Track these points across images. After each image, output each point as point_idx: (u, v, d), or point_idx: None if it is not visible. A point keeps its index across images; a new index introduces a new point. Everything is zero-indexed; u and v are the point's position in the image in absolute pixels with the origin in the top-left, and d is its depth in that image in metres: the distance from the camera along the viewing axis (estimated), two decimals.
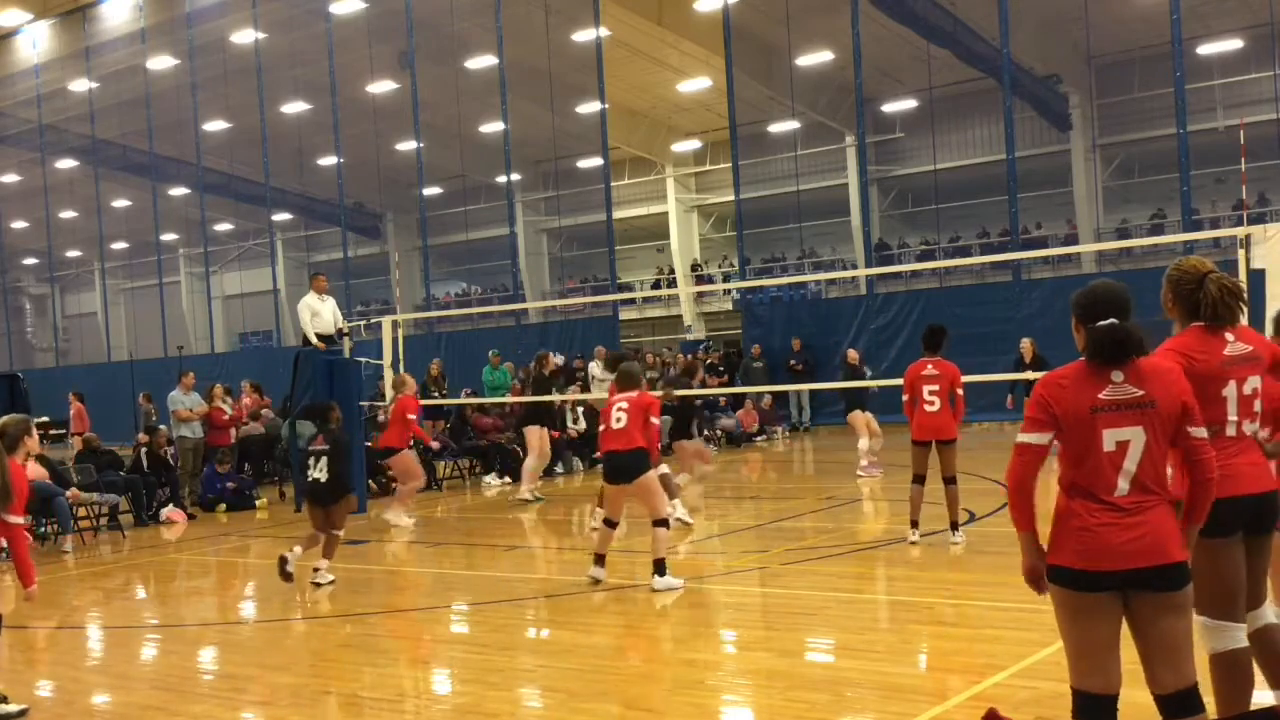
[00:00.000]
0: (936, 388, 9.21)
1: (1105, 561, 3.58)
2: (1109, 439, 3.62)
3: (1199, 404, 3.77)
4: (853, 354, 16.62)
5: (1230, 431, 4.09)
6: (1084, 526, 3.64)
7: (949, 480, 9.29)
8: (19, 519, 6.01)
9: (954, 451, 9.26)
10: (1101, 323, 3.65)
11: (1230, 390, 4.10)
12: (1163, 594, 3.58)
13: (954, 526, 9.32)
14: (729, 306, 34.24)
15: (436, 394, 18.58)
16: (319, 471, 9.16)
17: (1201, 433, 3.69)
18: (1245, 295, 4.25)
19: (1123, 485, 3.61)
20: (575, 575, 9.61)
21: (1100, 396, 3.63)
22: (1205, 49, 27.36)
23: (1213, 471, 3.71)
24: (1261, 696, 4.32)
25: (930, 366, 9.31)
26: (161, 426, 16.63)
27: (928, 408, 9.21)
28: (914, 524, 9.40)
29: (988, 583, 7.98)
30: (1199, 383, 3.87)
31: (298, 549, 9.10)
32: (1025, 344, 16.38)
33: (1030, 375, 15.82)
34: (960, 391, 9.32)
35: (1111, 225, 30.78)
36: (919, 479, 9.36)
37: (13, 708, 6.18)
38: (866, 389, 15.18)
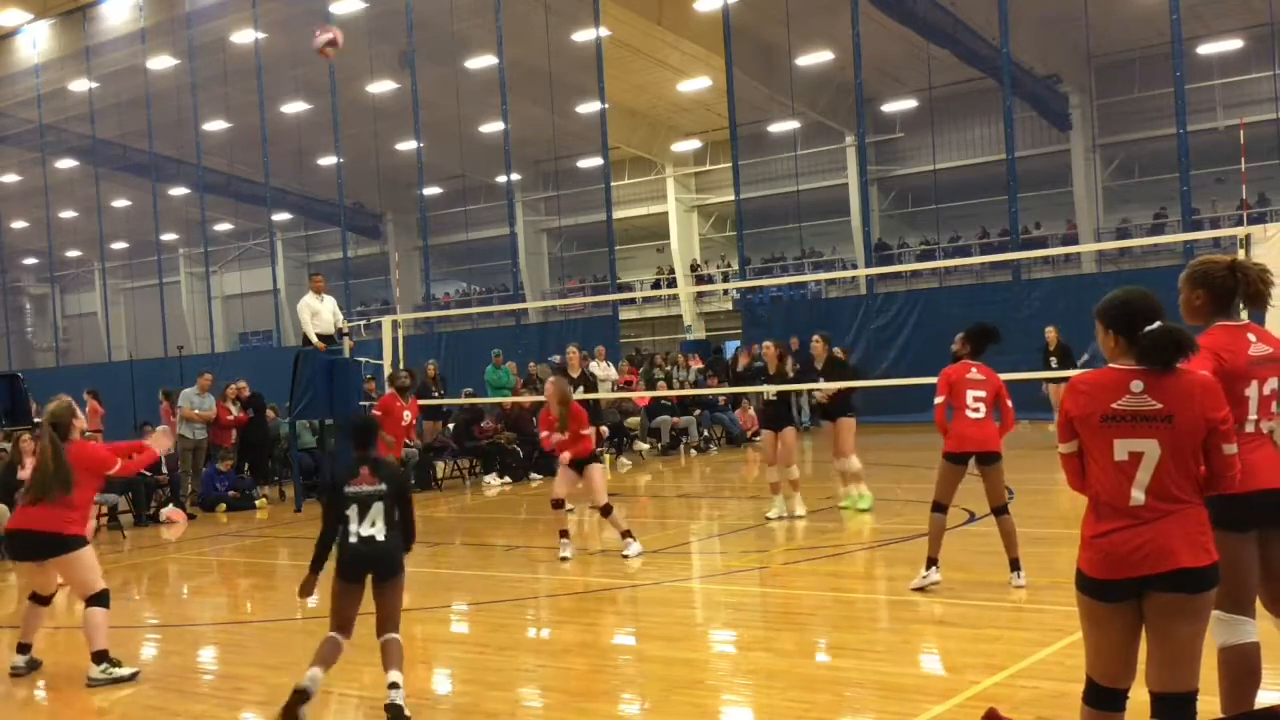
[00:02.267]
0: (983, 394, 7.68)
1: (1115, 570, 3.57)
2: (1120, 449, 3.59)
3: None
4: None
5: (1249, 429, 4.10)
6: (1099, 534, 3.63)
7: (999, 510, 7.71)
8: (112, 469, 6.95)
9: (1000, 472, 7.73)
10: (1151, 327, 3.58)
11: (1253, 390, 4.11)
12: (1173, 596, 3.54)
13: (1015, 565, 7.68)
14: (729, 306, 34.25)
15: (436, 394, 18.57)
16: (370, 526, 5.74)
17: (1232, 449, 3.64)
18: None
19: (1137, 495, 3.58)
20: (575, 575, 9.61)
21: (1113, 406, 3.60)
22: (1205, 49, 27.41)
23: (1232, 487, 3.70)
24: (1267, 696, 4.32)
25: (975, 370, 7.80)
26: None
27: (971, 414, 7.63)
28: (932, 561, 7.70)
29: (988, 583, 7.97)
30: (1225, 381, 3.85)
31: (316, 671, 5.66)
32: (1049, 332, 16.50)
33: (1022, 376, 15.85)
34: (1009, 403, 7.92)
35: (1111, 225, 30.80)
36: (941, 507, 7.72)
37: (125, 670, 6.67)
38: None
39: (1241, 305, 4.22)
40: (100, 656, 6.63)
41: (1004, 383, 7.95)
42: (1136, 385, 3.59)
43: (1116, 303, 3.71)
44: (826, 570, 9.09)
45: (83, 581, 6.73)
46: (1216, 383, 3.71)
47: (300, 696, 5.51)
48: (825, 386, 11.89)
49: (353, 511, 5.73)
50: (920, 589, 7.69)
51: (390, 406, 12.84)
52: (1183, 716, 3.60)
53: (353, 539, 5.71)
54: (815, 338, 11.81)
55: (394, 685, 5.58)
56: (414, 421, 13.96)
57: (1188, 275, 4.25)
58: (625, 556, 9.94)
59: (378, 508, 5.74)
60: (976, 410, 7.66)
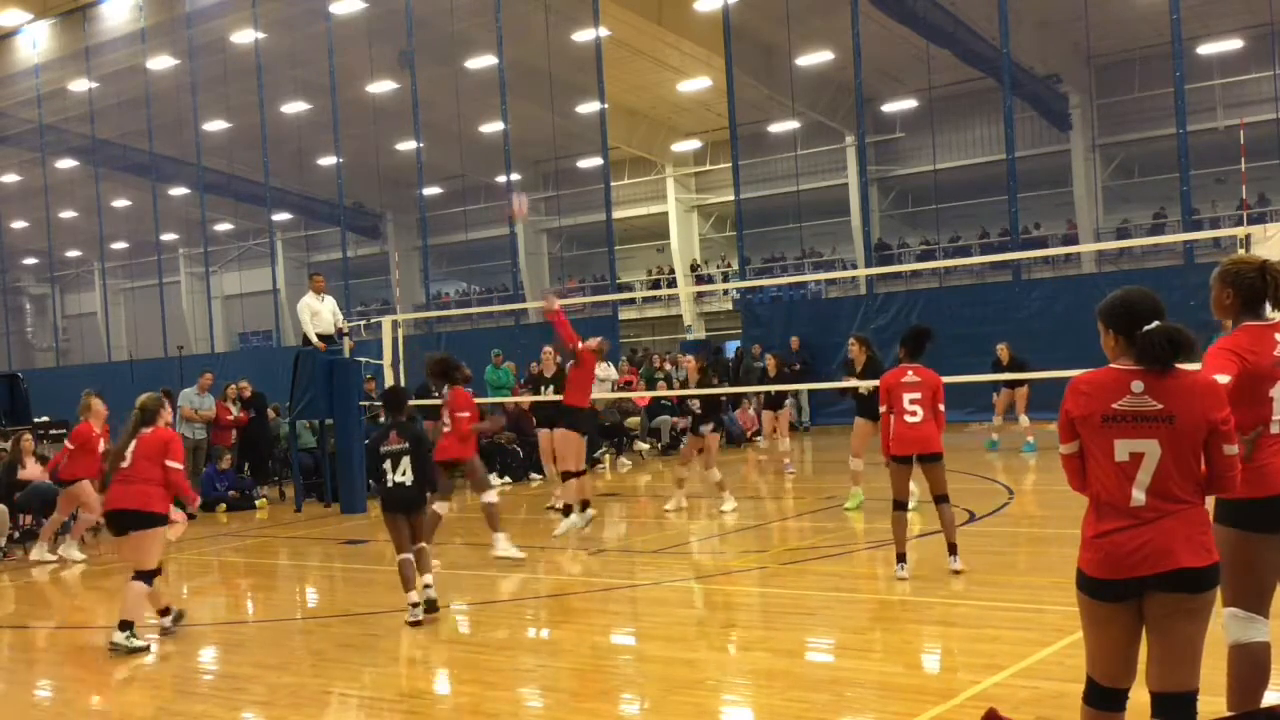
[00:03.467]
0: (919, 395, 8.07)
1: (1115, 570, 3.57)
2: (1121, 450, 3.59)
3: (1246, 404, 3.72)
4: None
5: (1275, 430, 4.08)
6: (1099, 534, 3.63)
7: (941, 499, 8.18)
8: (176, 464, 7.67)
9: (942, 469, 8.15)
10: (1149, 326, 3.58)
11: (1278, 390, 4.08)
12: (1173, 596, 3.53)
13: (952, 550, 8.17)
14: (729, 306, 34.26)
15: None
16: (400, 475, 7.77)
17: (1233, 449, 3.63)
18: None
19: (1138, 495, 3.57)
20: (575, 575, 9.62)
21: (1114, 406, 3.59)
22: (1205, 49, 27.41)
23: (1234, 489, 3.70)
24: (1274, 696, 4.32)
25: (911, 373, 8.15)
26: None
27: (909, 418, 8.06)
28: (901, 558, 8.16)
29: (988, 583, 7.97)
30: (1249, 382, 3.82)
31: (414, 594, 7.66)
32: (1001, 349, 16.64)
33: (1024, 376, 15.90)
34: (942, 407, 8.19)
35: (1111, 225, 30.81)
36: (901, 505, 8.19)
37: (139, 642, 7.31)
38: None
39: (1271, 306, 4.20)
40: (127, 625, 7.27)
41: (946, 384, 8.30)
42: (1137, 385, 3.59)
43: (1117, 302, 3.71)
44: (826, 570, 9.09)
45: (144, 555, 7.46)
46: (1217, 383, 3.70)
47: (431, 606, 7.76)
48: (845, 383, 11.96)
49: (388, 465, 7.79)
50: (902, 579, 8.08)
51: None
52: (1183, 716, 3.59)
53: (389, 484, 7.83)
54: (851, 340, 12.04)
55: (428, 585, 7.83)
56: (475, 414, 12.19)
57: (1219, 273, 4.26)
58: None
59: (405, 461, 7.80)
60: (913, 414, 8.11)
